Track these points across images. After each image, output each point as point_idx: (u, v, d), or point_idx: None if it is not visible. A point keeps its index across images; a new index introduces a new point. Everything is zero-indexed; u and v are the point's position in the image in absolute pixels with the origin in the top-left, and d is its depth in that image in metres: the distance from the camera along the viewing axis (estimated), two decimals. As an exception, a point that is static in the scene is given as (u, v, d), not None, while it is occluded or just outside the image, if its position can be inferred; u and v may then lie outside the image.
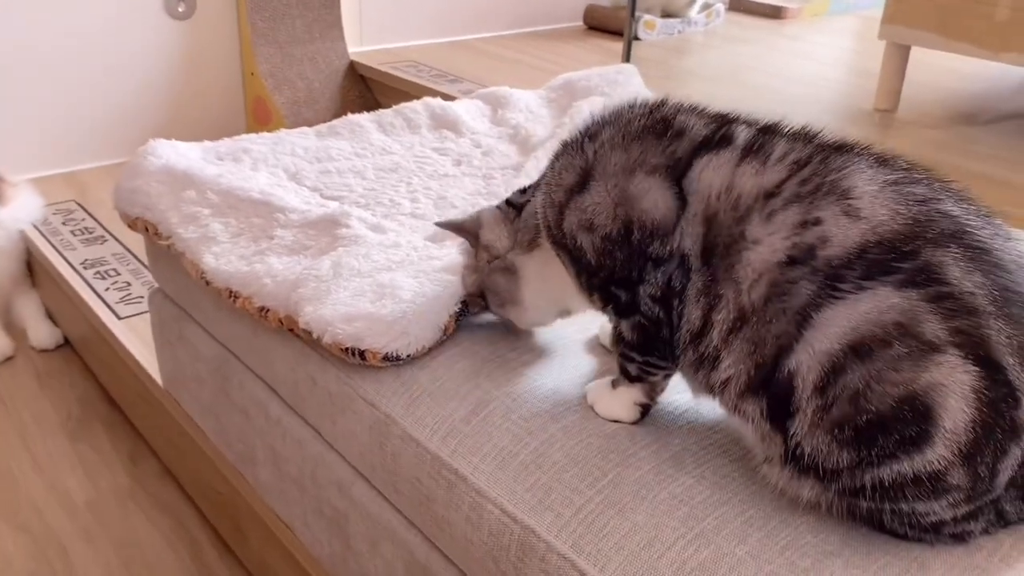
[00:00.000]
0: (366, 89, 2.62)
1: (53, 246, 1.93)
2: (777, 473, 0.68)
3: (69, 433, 1.64)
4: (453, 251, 1.03)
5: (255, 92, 2.52)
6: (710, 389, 0.70)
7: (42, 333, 1.87)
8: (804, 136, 0.69)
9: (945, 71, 2.44)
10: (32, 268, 1.96)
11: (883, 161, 0.66)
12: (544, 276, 0.83)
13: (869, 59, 2.31)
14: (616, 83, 1.54)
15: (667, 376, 0.77)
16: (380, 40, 2.77)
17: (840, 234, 0.62)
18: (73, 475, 1.54)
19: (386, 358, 0.87)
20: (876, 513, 0.65)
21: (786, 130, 0.70)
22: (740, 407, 0.68)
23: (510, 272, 0.84)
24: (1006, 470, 0.61)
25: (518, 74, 2.56)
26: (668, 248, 0.70)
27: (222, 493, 1.33)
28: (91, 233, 2.01)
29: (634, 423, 0.78)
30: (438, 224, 0.91)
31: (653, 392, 0.78)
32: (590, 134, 0.76)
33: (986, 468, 0.60)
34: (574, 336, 0.91)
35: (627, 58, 2.36)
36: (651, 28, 2.86)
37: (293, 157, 1.29)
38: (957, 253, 0.60)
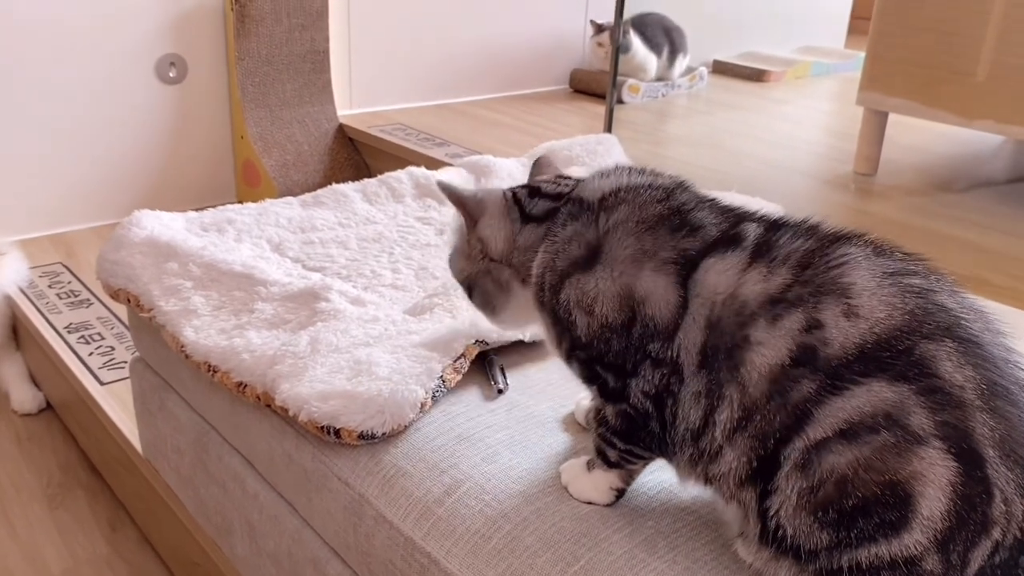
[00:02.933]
0: (355, 152, 2.66)
1: (38, 309, 1.93)
2: (754, 552, 0.68)
3: (49, 499, 1.63)
4: (431, 325, 1.04)
5: (245, 155, 2.55)
6: (707, 480, 0.70)
7: (25, 397, 1.86)
8: (807, 231, 0.70)
9: (924, 131, 2.49)
10: (17, 331, 1.96)
11: (880, 251, 0.68)
12: (532, 308, 0.80)
13: (850, 122, 2.36)
14: (596, 153, 1.57)
15: (646, 464, 0.78)
16: (369, 103, 2.82)
17: (840, 336, 0.64)
18: (51, 543, 1.52)
19: (361, 436, 0.87)
20: None
21: (791, 225, 0.71)
22: (738, 495, 0.68)
23: (501, 287, 0.81)
24: (976, 559, 0.63)
25: (505, 137, 2.61)
26: (668, 352, 0.70)
27: (200, 564, 1.32)
28: (76, 296, 2.01)
29: (608, 505, 0.78)
30: (439, 183, 0.86)
31: (630, 478, 0.78)
32: (606, 206, 0.74)
33: (958, 556, 0.62)
34: (548, 414, 0.91)
35: (609, 126, 2.40)
36: (635, 92, 2.91)
37: (277, 228, 1.31)
38: (950, 347, 0.63)
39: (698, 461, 0.70)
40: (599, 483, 0.78)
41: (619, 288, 0.71)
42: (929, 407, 0.61)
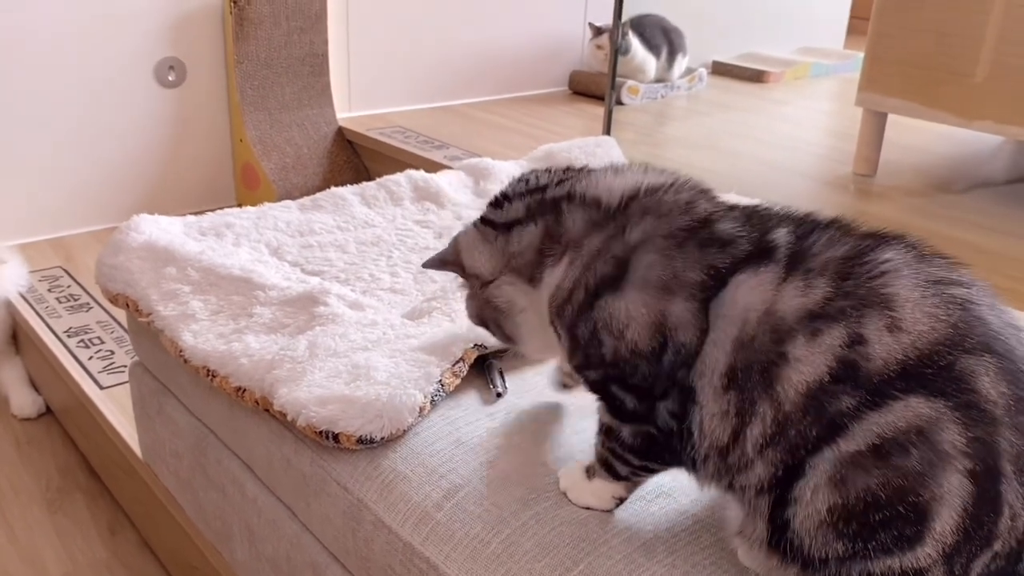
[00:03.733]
0: (354, 155, 2.66)
1: (38, 314, 1.93)
2: (759, 556, 0.68)
3: (48, 503, 1.63)
4: (430, 329, 1.04)
5: (244, 158, 2.55)
6: (729, 488, 0.69)
7: (24, 401, 1.86)
8: (841, 232, 0.68)
9: (923, 132, 2.49)
10: (16, 335, 1.96)
11: (922, 256, 0.66)
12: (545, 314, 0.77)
13: (849, 122, 2.36)
14: (595, 155, 1.57)
15: (655, 475, 0.77)
16: (368, 106, 2.82)
17: (883, 351, 0.62)
18: (50, 547, 1.52)
19: (360, 441, 0.87)
20: None
21: (823, 227, 0.68)
22: (754, 501, 0.67)
23: (504, 308, 0.80)
24: (976, 568, 0.64)
25: (504, 140, 2.61)
26: (689, 377, 0.68)
27: (199, 568, 1.32)
28: (76, 300, 2.01)
29: (607, 511, 0.78)
30: (424, 265, 0.88)
31: (634, 487, 0.78)
32: (630, 215, 0.72)
33: (961, 567, 0.63)
34: (547, 418, 0.91)
35: (607, 128, 2.40)
36: (635, 93, 2.91)
37: (275, 231, 1.31)
38: (989, 362, 0.62)
39: (724, 474, 0.68)
40: (600, 492, 0.78)
41: (653, 316, 0.69)
42: (963, 423, 0.61)
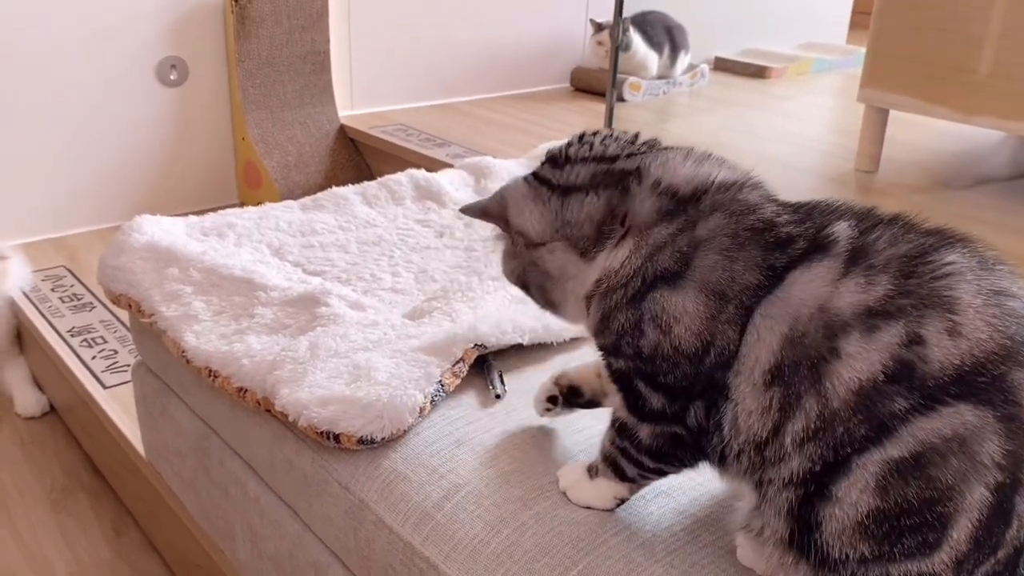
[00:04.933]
0: (356, 153, 2.66)
1: (41, 313, 1.94)
2: (769, 554, 0.67)
3: (52, 503, 1.63)
4: (430, 329, 1.04)
5: (246, 157, 2.55)
6: (758, 483, 0.68)
7: (28, 400, 1.87)
8: (903, 229, 0.66)
9: (926, 129, 2.49)
10: (20, 335, 1.97)
11: (984, 263, 0.65)
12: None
13: (852, 118, 2.36)
14: (597, 153, 1.56)
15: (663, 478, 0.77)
16: (370, 104, 2.82)
17: (941, 355, 0.61)
18: (54, 547, 1.53)
19: (361, 441, 0.87)
20: None
21: (886, 223, 0.67)
22: (780, 495, 0.66)
23: (552, 273, 0.76)
24: (978, 573, 0.64)
25: (506, 137, 2.61)
26: (728, 374, 0.67)
27: (202, 567, 1.32)
28: (79, 300, 2.02)
29: (607, 511, 0.78)
30: (462, 210, 0.82)
31: (638, 489, 0.78)
32: (702, 211, 0.69)
33: (967, 573, 0.63)
34: (545, 420, 0.91)
35: (608, 125, 2.39)
36: (636, 90, 2.91)
37: (277, 232, 1.31)
38: None
39: (758, 468, 0.67)
40: (603, 492, 0.77)
41: (703, 318, 0.67)
42: (1004, 435, 0.60)
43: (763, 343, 0.65)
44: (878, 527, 0.62)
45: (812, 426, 0.63)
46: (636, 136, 0.78)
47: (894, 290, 0.63)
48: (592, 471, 0.78)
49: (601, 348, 0.75)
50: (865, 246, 0.65)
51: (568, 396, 0.87)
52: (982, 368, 0.61)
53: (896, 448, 0.61)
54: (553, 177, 0.76)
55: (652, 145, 0.77)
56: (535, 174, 0.78)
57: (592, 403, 0.87)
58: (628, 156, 0.75)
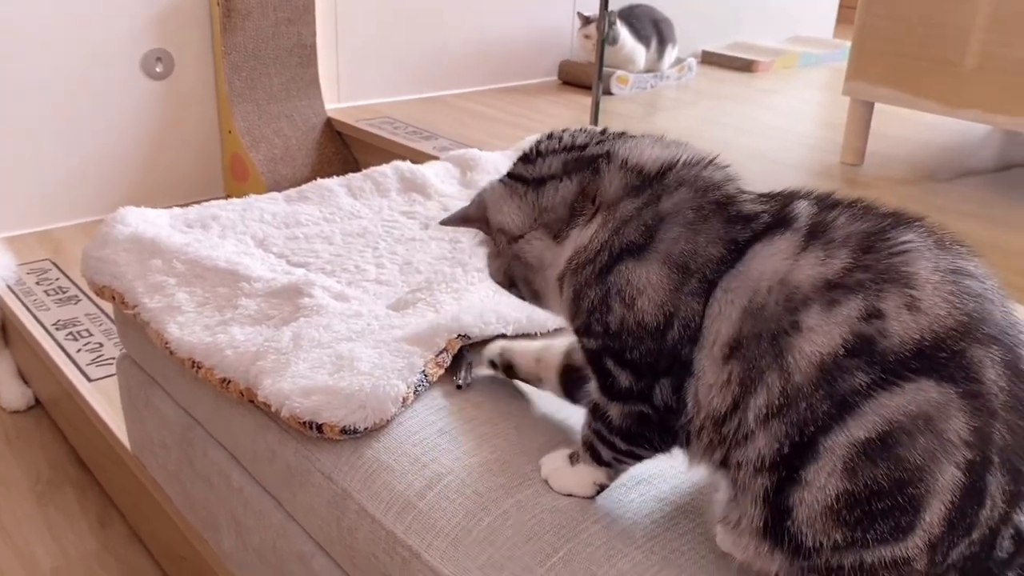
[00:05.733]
0: (343, 146, 2.66)
1: (26, 307, 1.93)
2: (746, 543, 0.68)
3: (38, 496, 1.63)
4: (414, 319, 1.04)
5: (232, 149, 2.54)
6: (723, 464, 0.68)
7: (13, 394, 1.86)
8: (863, 211, 0.67)
9: (912, 122, 2.50)
10: (5, 328, 1.96)
11: (941, 243, 0.66)
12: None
13: (837, 112, 2.37)
14: (582, 146, 1.57)
15: (639, 462, 0.77)
16: (357, 97, 2.81)
17: (900, 329, 0.61)
18: (40, 540, 1.52)
19: (343, 431, 0.87)
20: None
21: (846, 204, 0.68)
22: (751, 483, 0.66)
23: (533, 264, 0.77)
24: (954, 555, 0.64)
25: (493, 130, 2.61)
26: (693, 353, 0.68)
27: (187, 559, 1.32)
28: (64, 293, 2.01)
29: (588, 498, 0.79)
30: (442, 223, 0.85)
31: (616, 474, 0.78)
32: (667, 186, 0.71)
33: (941, 555, 0.63)
34: (529, 407, 0.92)
35: (595, 119, 2.40)
36: (624, 83, 2.91)
37: (261, 223, 1.31)
38: (995, 355, 0.62)
39: (718, 446, 0.67)
40: (583, 478, 0.78)
41: (665, 291, 0.68)
42: (969, 411, 0.61)
43: (723, 316, 0.66)
44: (849, 512, 0.62)
45: (776, 402, 0.63)
46: (604, 130, 0.80)
47: (853, 263, 0.63)
48: (573, 458, 0.79)
49: (575, 331, 0.76)
50: (825, 222, 0.66)
51: (506, 369, 0.93)
52: (942, 344, 0.61)
53: (862, 428, 0.61)
54: (526, 172, 0.79)
55: (622, 135, 0.79)
56: (509, 173, 0.80)
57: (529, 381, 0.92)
58: (598, 143, 0.77)
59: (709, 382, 0.67)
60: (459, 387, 0.94)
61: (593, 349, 0.74)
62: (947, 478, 0.61)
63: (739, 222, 0.69)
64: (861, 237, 0.65)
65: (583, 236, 0.74)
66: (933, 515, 0.61)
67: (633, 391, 0.72)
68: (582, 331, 0.74)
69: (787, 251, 0.65)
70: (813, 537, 0.63)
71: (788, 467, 0.64)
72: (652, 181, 0.72)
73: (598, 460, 0.77)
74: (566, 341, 0.86)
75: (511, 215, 0.78)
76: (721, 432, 0.67)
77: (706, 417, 0.67)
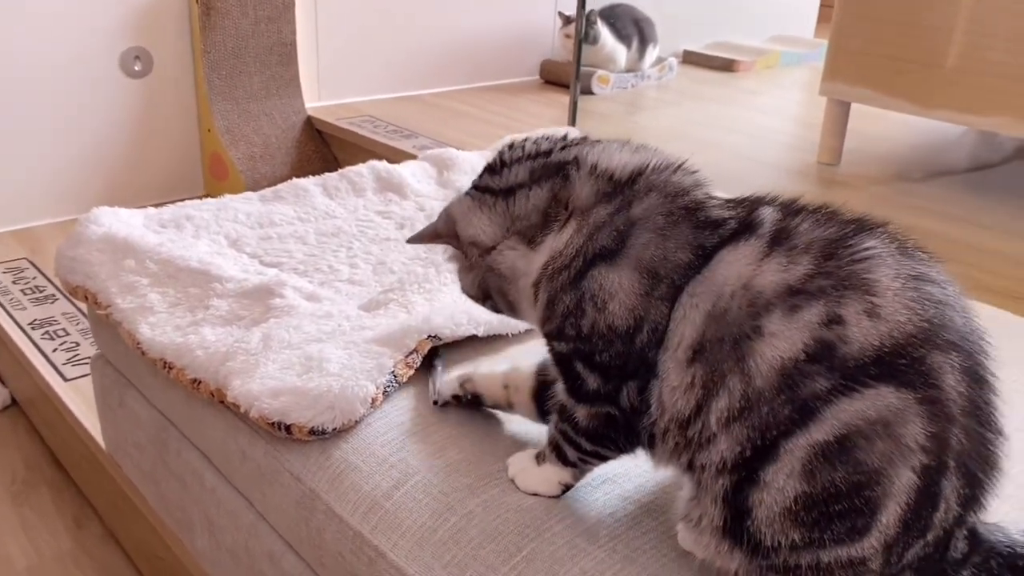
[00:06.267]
0: (323, 144, 2.65)
1: (2, 306, 1.92)
2: (706, 542, 0.69)
3: (13, 496, 1.62)
4: (385, 320, 1.05)
5: (212, 148, 2.54)
6: (689, 467, 0.69)
7: (-11, 394, 1.86)
8: (827, 217, 0.68)
9: (889, 122, 2.52)
10: (-19, 328, 1.95)
11: (903, 250, 0.66)
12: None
13: (816, 111, 2.38)
14: (558, 146, 1.57)
15: (604, 463, 0.78)
16: (338, 95, 2.81)
17: (860, 335, 0.62)
18: (15, 540, 1.52)
19: (312, 432, 0.88)
20: None
21: (811, 211, 0.69)
22: (714, 481, 0.67)
23: (507, 274, 0.77)
24: (909, 556, 0.66)
25: (474, 129, 2.61)
26: (658, 356, 0.69)
27: (163, 559, 1.33)
28: (41, 292, 2.00)
29: (554, 497, 0.79)
30: (410, 241, 0.85)
31: (581, 475, 0.79)
32: (637, 192, 0.72)
33: (897, 556, 0.65)
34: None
35: (573, 119, 2.41)
36: (605, 83, 2.92)
37: (235, 223, 1.31)
38: (955, 361, 0.63)
39: (684, 450, 0.68)
40: (549, 477, 0.79)
41: (635, 295, 0.69)
42: (927, 417, 0.62)
43: (688, 320, 0.67)
44: (807, 513, 0.63)
45: (737, 405, 0.64)
46: (565, 136, 0.81)
47: (814, 270, 0.64)
48: (540, 458, 0.80)
49: (546, 335, 0.76)
50: (788, 228, 0.67)
51: (472, 401, 0.91)
52: (902, 350, 0.62)
53: (821, 431, 0.62)
54: (493, 183, 0.79)
55: (587, 140, 0.80)
56: (475, 186, 0.81)
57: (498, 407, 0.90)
58: (562, 149, 0.78)
59: (673, 384, 0.67)
60: (435, 403, 0.93)
61: (563, 352, 0.74)
62: (903, 481, 0.62)
63: (707, 228, 0.70)
64: (823, 244, 0.66)
65: (558, 241, 0.74)
66: (889, 517, 0.63)
67: (600, 393, 0.73)
68: (554, 335, 0.75)
69: (751, 257, 0.66)
70: (772, 537, 0.65)
71: (748, 469, 0.65)
72: (623, 187, 0.73)
73: (564, 460, 0.78)
74: (533, 361, 0.85)
75: (482, 227, 0.78)
76: (687, 435, 0.68)
77: (671, 419, 0.68)
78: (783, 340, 0.63)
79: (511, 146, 0.81)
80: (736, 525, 0.66)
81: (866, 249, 0.65)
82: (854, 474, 0.62)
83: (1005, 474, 0.66)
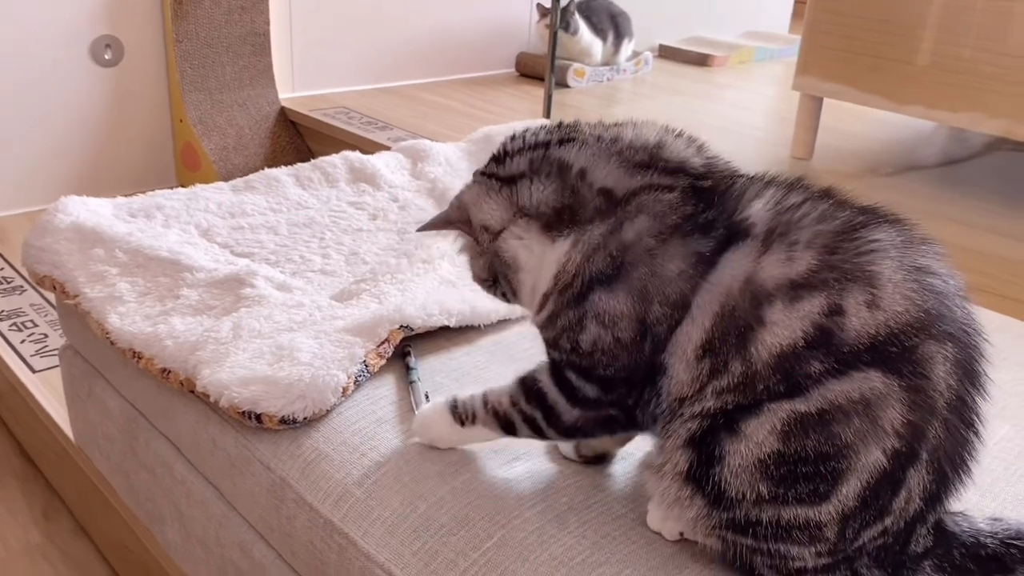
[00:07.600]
0: (297, 135, 2.64)
1: (-31, 297, 1.89)
2: (666, 486, 0.70)
3: (-19, 489, 1.61)
4: (357, 310, 1.05)
5: (184, 138, 2.51)
6: (669, 421, 0.70)
7: (-44, 386, 1.83)
8: (836, 207, 0.68)
9: (860, 117, 2.55)
10: (-53, 319, 1.92)
11: (911, 242, 0.67)
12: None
13: (789, 106, 2.40)
14: (532, 138, 1.58)
15: None
16: (312, 86, 2.79)
17: (858, 324, 0.64)
18: (-18, 534, 1.50)
19: (283, 421, 0.88)
20: (750, 551, 0.69)
21: (818, 197, 0.69)
22: (687, 426, 0.68)
23: (512, 260, 0.78)
24: (865, 536, 0.67)
25: (449, 121, 2.60)
26: (664, 358, 0.70)
27: (133, 551, 1.32)
28: (9, 283, 1.98)
29: None
30: (420, 230, 0.84)
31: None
32: (628, 213, 0.72)
33: (852, 532, 0.66)
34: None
35: (547, 112, 2.41)
36: (580, 76, 2.93)
37: (206, 213, 1.30)
38: (949, 352, 0.65)
39: (676, 416, 0.70)
40: (471, 438, 0.82)
41: (638, 314, 0.70)
42: (908, 405, 0.64)
43: (696, 324, 0.68)
44: (777, 469, 0.65)
45: (733, 382, 0.67)
46: (560, 124, 0.81)
47: (818, 265, 0.66)
48: (466, 418, 0.81)
49: (544, 340, 0.78)
50: (788, 222, 0.67)
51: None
52: (895, 338, 0.64)
53: (805, 404, 0.64)
54: (499, 171, 0.79)
55: (574, 127, 0.80)
56: (481, 172, 0.81)
57: None
58: (559, 142, 0.77)
59: (682, 379, 0.69)
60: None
61: (555, 360, 0.76)
62: (870, 460, 0.64)
63: (696, 233, 0.70)
64: (829, 237, 0.66)
65: (562, 249, 0.74)
66: (849, 489, 0.65)
67: (603, 400, 0.74)
68: (550, 343, 0.76)
69: (749, 256, 0.67)
70: (737, 488, 0.66)
71: (727, 418, 0.66)
72: (615, 207, 0.73)
73: (511, 434, 0.79)
74: (508, 383, 0.82)
75: (491, 210, 0.79)
76: (681, 408, 0.69)
77: (674, 399, 0.70)
78: (784, 328, 0.65)
79: (513, 137, 0.81)
80: (702, 471, 0.68)
81: (873, 242, 0.66)
82: (826, 444, 0.64)
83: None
